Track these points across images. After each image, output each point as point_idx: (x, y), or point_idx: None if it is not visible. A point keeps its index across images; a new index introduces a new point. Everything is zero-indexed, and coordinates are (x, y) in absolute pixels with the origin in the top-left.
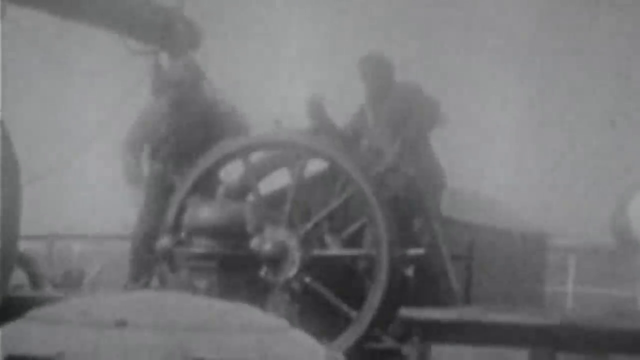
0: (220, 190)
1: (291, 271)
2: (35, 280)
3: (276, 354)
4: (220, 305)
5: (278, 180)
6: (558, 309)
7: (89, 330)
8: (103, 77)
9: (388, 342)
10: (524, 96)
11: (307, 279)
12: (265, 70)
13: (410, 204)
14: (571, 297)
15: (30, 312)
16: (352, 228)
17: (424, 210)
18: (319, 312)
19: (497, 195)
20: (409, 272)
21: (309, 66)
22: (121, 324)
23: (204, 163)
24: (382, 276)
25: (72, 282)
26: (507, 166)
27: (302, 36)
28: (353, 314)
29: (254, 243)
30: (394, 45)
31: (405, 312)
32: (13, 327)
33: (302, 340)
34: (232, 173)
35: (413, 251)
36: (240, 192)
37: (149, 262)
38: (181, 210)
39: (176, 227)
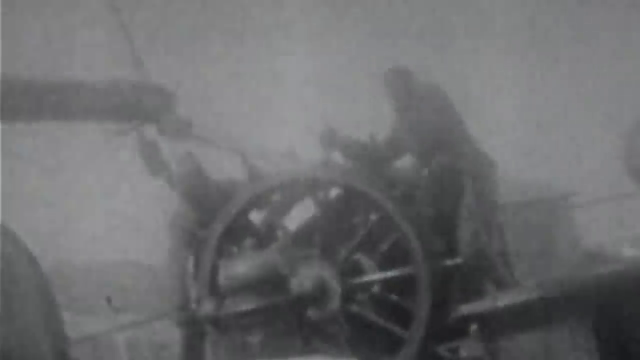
0: (247, 243)
1: (335, 303)
2: None
3: None
4: None
5: (300, 215)
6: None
7: None
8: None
9: (443, 352)
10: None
11: (352, 307)
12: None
13: (453, 195)
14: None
15: None
16: (385, 245)
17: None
18: (370, 337)
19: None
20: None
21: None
22: None
23: (225, 216)
24: (424, 294)
25: None
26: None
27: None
28: (404, 334)
29: (294, 284)
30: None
31: (464, 309)
32: None
33: None
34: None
35: (451, 262)
36: (267, 235)
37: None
38: (214, 271)
39: (213, 289)
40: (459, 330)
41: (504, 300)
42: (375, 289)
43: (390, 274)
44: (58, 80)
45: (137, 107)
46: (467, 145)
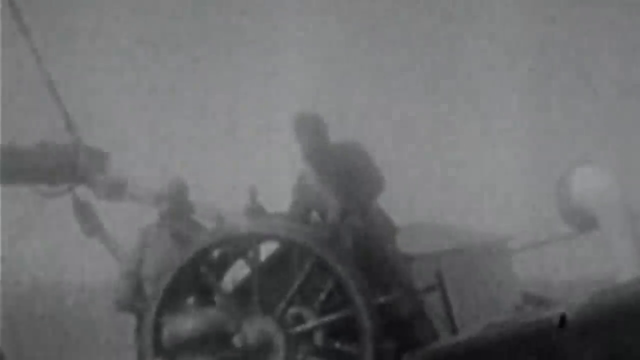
0: (189, 301)
1: (279, 356)
2: None
3: None
4: None
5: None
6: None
7: None
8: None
9: None
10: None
11: (297, 357)
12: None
13: (369, 252)
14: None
15: None
16: (323, 294)
17: (383, 256)
18: None
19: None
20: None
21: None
22: None
23: (163, 282)
24: (367, 335)
25: None
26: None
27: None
28: None
29: (237, 341)
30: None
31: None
32: None
33: None
34: None
35: (385, 299)
36: (204, 298)
37: None
38: (157, 330)
39: (158, 348)
40: None
41: (450, 345)
42: (319, 337)
43: (329, 318)
44: None
45: (69, 169)
46: (374, 210)
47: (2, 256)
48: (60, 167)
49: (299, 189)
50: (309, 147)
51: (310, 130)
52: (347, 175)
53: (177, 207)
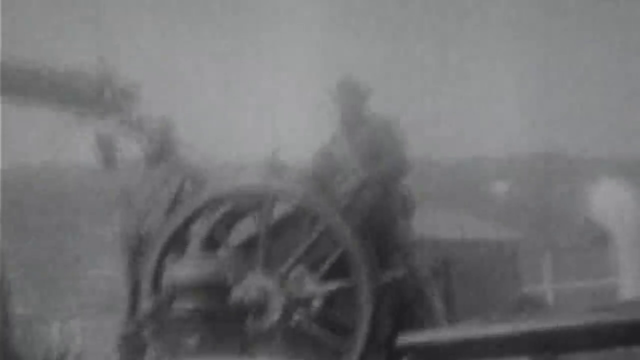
0: (194, 245)
1: (275, 315)
2: None
3: None
4: None
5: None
6: (545, 310)
7: None
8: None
9: None
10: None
11: (293, 319)
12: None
13: (381, 229)
14: (550, 294)
15: None
16: (328, 262)
17: (396, 233)
18: (309, 350)
19: None
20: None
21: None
22: None
23: (172, 223)
24: (365, 304)
25: None
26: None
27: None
28: (343, 346)
29: (236, 293)
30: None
31: (400, 339)
32: None
33: None
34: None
35: (390, 274)
36: (212, 243)
37: (135, 328)
38: (158, 271)
39: (156, 288)
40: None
41: (443, 335)
42: (317, 303)
43: (331, 286)
44: (20, 63)
45: (98, 97)
46: (399, 184)
47: None
48: (88, 97)
49: (327, 152)
50: (346, 113)
51: (351, 96)
52: (376, 149)
53: (163, 148)
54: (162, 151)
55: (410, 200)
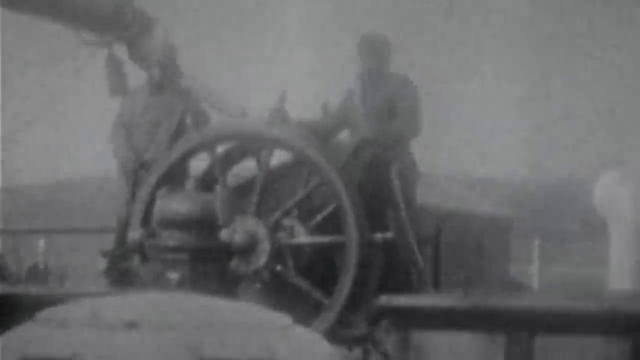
0: (190, 182)
1: (261, 260)
2: (1, 274)
3: (283, 351)
4: (227, 304)
5: (245, 171)
6: (530, 291)
7: (101, 332)
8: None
9: (360, 328)
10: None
11: (277, 268)
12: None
13: (378, 188)
14: (537, 277)
15: (41, 313)
16: (321, 215)
17: (392, 195)
18: (290, 300)
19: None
20: (378, 256)
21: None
22: (132, 325)
23: (172, 155)
24: (352, 261)
25: (38, 276)
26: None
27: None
28: (325, 300)
29: (224, 234)
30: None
31: (383, 299)
32: (25, 329)
33: (307, 337)
34: (201, 164)
35: (381, 235)
36: (207, 183)
37: (121, 255)
38: (151, 202)
39: (147, 219)
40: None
41: (425, 301)
42: (304, 254)
43: (321, 239)
44: None
45: (115, 22)
46: (406, 146)
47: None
48: (108, 18)
49: (342, 104)
50: (365, 67)
51: (371, 51)
52: (390, 108)
53: (166, 74)
54: (165, 77)
55: (415, 167)
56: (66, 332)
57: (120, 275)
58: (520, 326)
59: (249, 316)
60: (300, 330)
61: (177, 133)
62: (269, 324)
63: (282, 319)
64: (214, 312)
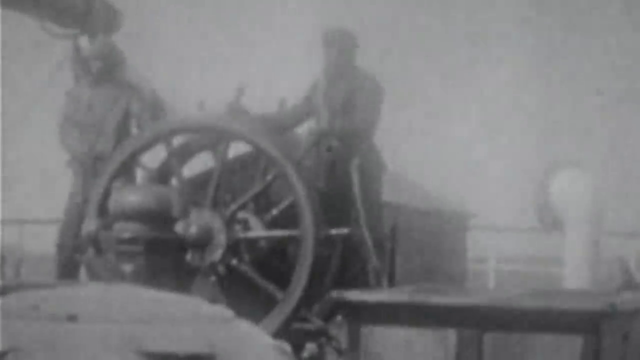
0: (144, 174)
1: (216, 254)
2: None
3: (225, 344)
4: (168, 297)
5: (201, 163)
6: (483, 288)
7: (42, 324)
8: (20, 61)
9: (315, 323)
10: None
11: (233, 262)
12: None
13: (337, 182)
14: (493, 275)
15: None
16: (277, 210)
17: (348, 190)
18: (245, 295)
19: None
20: (334, 252)
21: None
22: (72, 317)
23: (127, 147)
24: (307, 256)
25: None
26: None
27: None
28: (279, 294)
29: (179, 227)
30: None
31: (335, 294)
32: None
33: (249, 330)
34: (154, 157)
35: (336, 231)
36: (163, 176)
37: (75, 247)
38: (106, 195)
39: (102, 211)
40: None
41: (376, 296)
42: (259, 248)
43: (275, 233)
44: None
45: (84, 16)
46: (366, 143)
47: None
48: (75, 9)
49: (305, 97)
50: (330, 62)
51: (337, 46)
52: (351, 102)
53: (107, 66)
54: (106, 68)
55: (379, 163)
56: (7, 324)
57: (74, 267)
58: (470, 323)
59: (190, 310)
60: (242, 324)
61: (124, 124)
62: (211, 317)
63: (224, 312)
64: (156, 306)
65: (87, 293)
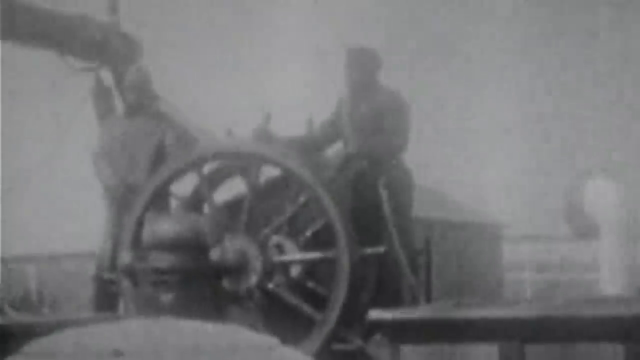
0: (177, 203)
1: (253, 279)
2: None
3: None
4: (211, 328)
5: (233, 189)
6: (521, 299)
7: None
8: (47, 97)
9: (354, 342)
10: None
11: (269, 286)
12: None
13: (366, 202)
14: (529, 284)
15: (26, 346)
16: (310, 231)
17: (379, 207)
18: (283, 318)
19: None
20: (369, 271)
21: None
22: (118, 353)
23: (158, 177)
24: (343, 277)
25: (31, 304)
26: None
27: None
28: (318, 316)
29: (214, 254)
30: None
31: (374, 313)
32: None
33: (294, 357)
34: (186, 186)
35: (372, 250)
36: (195, 203)
37: (111, 280)
38: (139, 225)
39: (136, 242)
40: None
41: (415, 313)
42: (295, 272)
43: (311, 255)
44: (23, 4)
45: (102, 47)
46: (394, 159)
47: None
48: (94, 43)
49: (330, 120)
50: (355, 81)
51: (361, 64)
52: (378, 122)
53: (142, 98)
54: (140, 100)
55: (408, 179)
56: None
57: (110, 300)
58: (511, 335)
59: (234, 339)
60: (286, 351)
61: (157, 155)
62: (256, 346)
63: (269, 340)
64: (199, 337)
65: (130, 328)
